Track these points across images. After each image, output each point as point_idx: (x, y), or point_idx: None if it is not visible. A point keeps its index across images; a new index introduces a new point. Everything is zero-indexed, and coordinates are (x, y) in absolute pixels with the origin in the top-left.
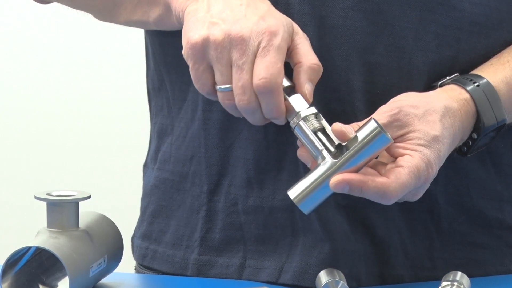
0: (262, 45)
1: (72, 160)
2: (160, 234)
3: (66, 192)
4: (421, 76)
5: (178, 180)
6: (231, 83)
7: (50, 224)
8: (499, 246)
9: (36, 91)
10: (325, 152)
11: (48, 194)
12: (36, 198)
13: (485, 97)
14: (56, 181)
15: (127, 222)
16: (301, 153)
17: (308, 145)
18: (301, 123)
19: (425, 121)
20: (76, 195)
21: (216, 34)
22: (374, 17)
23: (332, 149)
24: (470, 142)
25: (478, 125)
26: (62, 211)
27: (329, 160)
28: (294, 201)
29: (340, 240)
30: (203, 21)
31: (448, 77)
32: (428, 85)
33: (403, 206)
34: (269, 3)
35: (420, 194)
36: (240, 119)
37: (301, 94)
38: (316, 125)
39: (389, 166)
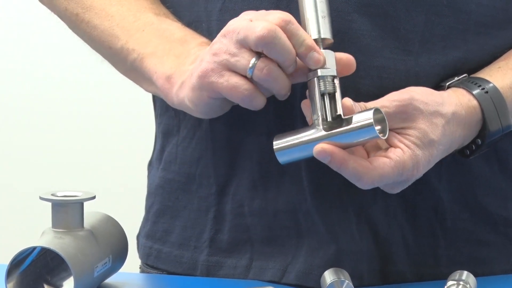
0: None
1: (77, 160)
2: (164, 234)
3: (71, 193)
4: (429, 78)
5: (184, 181)
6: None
7: (55, 224)
8: (504, 244)
9: (40, 91)
10: (319, 120)
11: (53, 195)
12: (41, 198)
13: (493, 104)
14: (61, 181)
15: (132, 222)
16: (304, 106)
17: (311, 103)
18: (315, 80)
19: (429, 122)
20: (81, 195)
21: (206, 60)
22: (380, 20)
23: (329, 118)
24: (474, 146)
25: (483, 131)
26: (67, 211)
27: (319, 128)
28: (274, 149)
29: (345, 240)
30: (190, 72)
31: (456, 78)
32: (437, 88)
33: (406, 204)
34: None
35: (398, 190)
36: (247, 122)
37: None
38: (329, 88)
39: (379, 152)
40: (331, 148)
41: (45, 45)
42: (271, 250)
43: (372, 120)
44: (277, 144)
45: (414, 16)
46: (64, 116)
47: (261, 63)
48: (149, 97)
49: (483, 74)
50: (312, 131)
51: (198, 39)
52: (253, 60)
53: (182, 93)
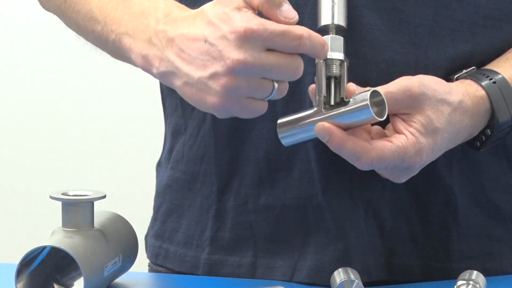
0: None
1: (87, 160)
2: (172, 233)
3: (81, 192)
4: (438, 71)
5: (189, 179)
6: (270, 91)
7: (65, 223)
8: None
9: (52, 91)
10: (321, 102)
11: (63, 194)
12: (52, 198)
13: (501, 94)
14: (71, 181)
15: (142, 221)
16: (311, 90)
17: (317, 86)
18: (321, 63)
19: (435, 109)
20: (91, 194)
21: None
22: (389, 14)
23: (332, 101)
24: (484, 137)
25: (492, 122)
26: (77, 210)
27: (321, 110)
28: (277, 131)
29: (354, 236)
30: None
31: (464, 70)
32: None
33: (417, 198)
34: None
35: (404, 178)
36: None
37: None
38: (335, 71)
39: (383, 138)
40: (331, 127)
41: (51, 44)
42: (276, 247)
43: (368, 102)
44: (280, 126)
45: (423, 10)
46: (75, 117)
47: (282, 86)
48: (158, 98)
49: (491, 66)
50: (314, 112)
51: (157, 12)
52: (275, 87)
53: (169, 80)
